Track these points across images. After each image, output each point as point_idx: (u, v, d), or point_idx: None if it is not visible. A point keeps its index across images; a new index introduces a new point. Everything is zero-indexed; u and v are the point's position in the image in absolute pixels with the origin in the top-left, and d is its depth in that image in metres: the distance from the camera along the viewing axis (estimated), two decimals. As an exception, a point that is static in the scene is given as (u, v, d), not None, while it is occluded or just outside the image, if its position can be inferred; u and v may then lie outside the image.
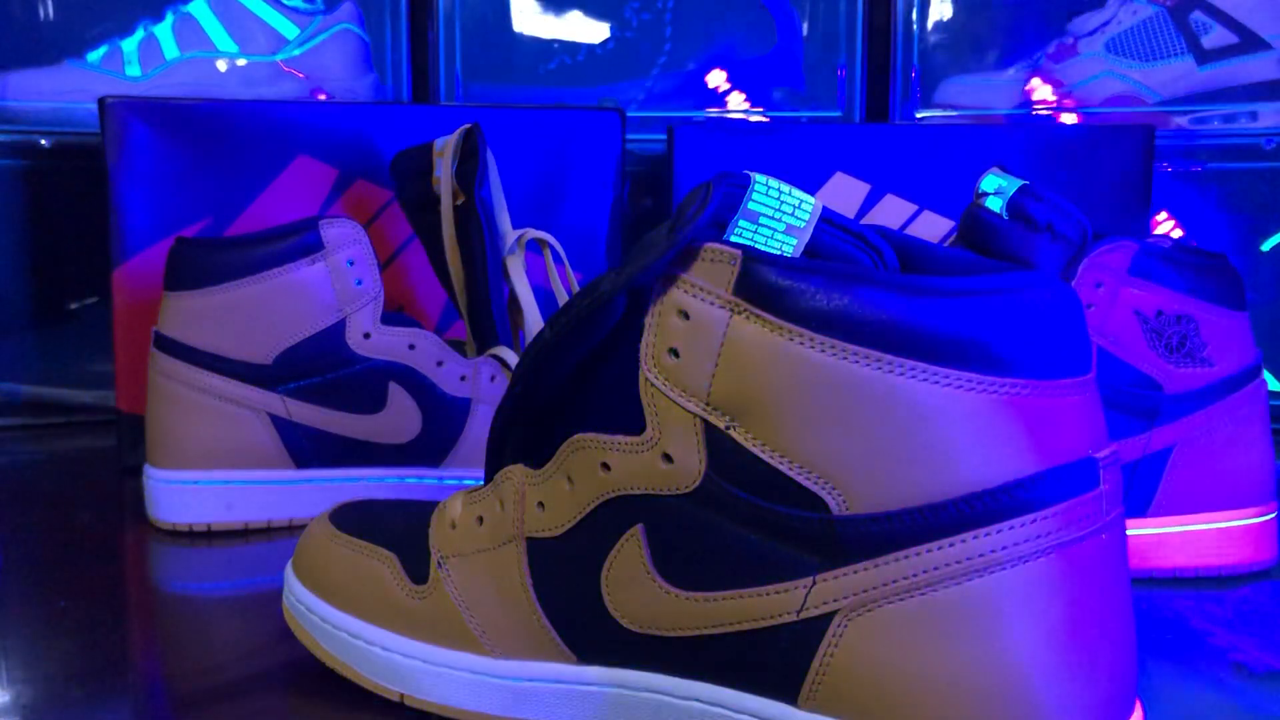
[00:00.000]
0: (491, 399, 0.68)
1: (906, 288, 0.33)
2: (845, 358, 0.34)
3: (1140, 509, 0.56)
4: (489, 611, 0.42)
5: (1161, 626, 0.52)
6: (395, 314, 0.68)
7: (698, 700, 0.39)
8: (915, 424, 0.33)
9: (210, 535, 0.65)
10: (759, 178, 0.38)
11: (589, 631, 0.40)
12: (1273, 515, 0.57)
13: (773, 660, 0.36)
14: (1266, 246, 0.94)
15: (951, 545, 0.33)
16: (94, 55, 0.92)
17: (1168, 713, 0.46)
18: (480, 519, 0.42)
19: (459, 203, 0.68)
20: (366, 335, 0.65)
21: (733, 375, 0.35)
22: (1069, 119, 0.98)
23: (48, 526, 0.69)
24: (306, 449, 0.66)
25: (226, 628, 0.54)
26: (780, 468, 0.35)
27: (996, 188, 0.56)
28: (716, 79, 1.02)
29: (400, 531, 0.45)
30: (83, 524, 0.70)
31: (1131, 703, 0.36)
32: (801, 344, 0.34)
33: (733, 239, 0.37)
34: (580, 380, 0.40)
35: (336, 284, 0.65)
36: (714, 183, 0.37)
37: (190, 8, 0.94)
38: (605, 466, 0.38)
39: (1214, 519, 0.56)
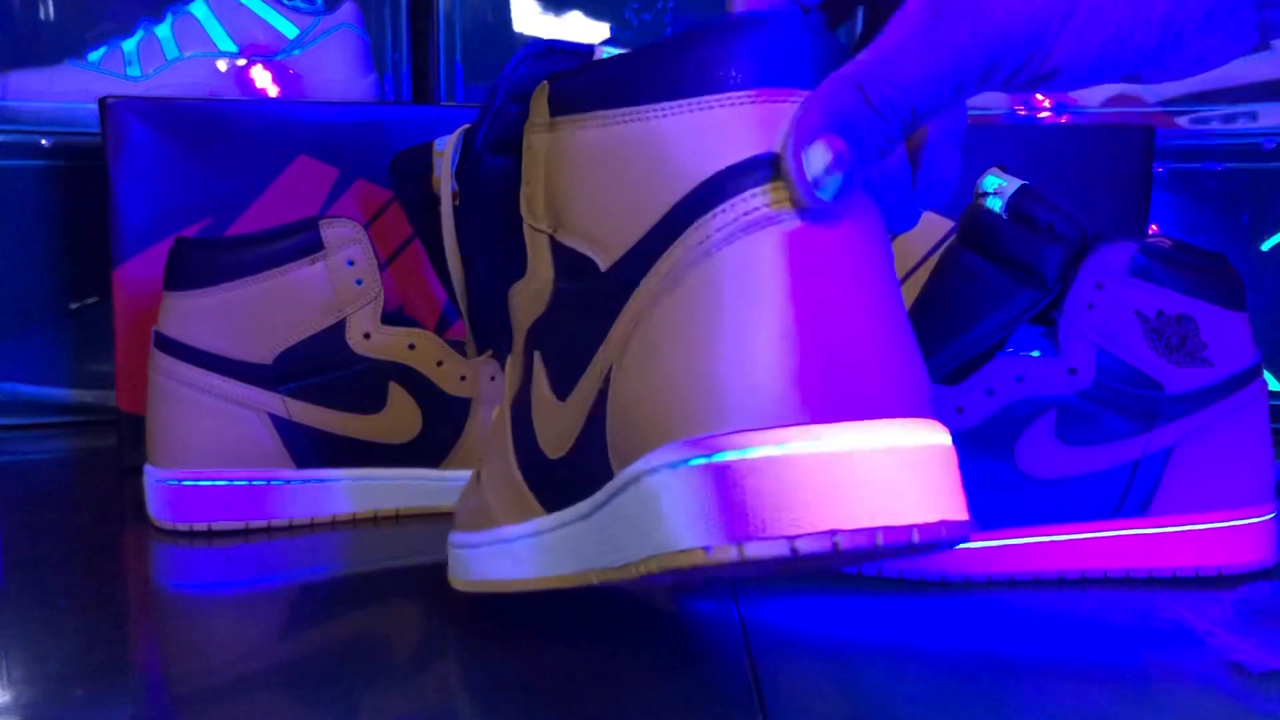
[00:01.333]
0: (492, 399, 0.68)
1: (659, 45, 0.37)
2: (607, 124, 0.37)
3: (1140, 509, 0.56)
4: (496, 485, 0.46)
5: (1162, 626, 0.52)
6: (395, 314, 0.68)
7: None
8: (657, 157, 0.36)
9: (210, 535, 0.65)
10: (609, 48, 0.42)
11: (540, 475, 0.43)
12: (1272, 515, 0.57)
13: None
14: (1266, 246, 0.94)
15: (681, 243, 0.36)
16: (94, 55, 0.93)
17: (1168, 713, 0.46)
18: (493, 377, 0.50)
19: (459, 203, 0.68)
20: (367, 335, 0.65)
21: (549, 185, 0.39)
22: (1068, 119, 0.98)
23: (48, 526, 0.69)
24: (306, 449, 0.66)
25: (226, 628, 0.54)
26: (575, 247, 0.38)
27: (996, 188, 0.56)
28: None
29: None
30: (83, 524, 0.70)
31: (900, 408, 0.35)
32: (580, 129, 0.38)
33: None
34: (507, 253, 0.45)
35: (336, 284, 0.65)
36: (538, 52, 0.43)
37: (190, 8, 0.94)
38: (518, 311, 0.43)
39: (1214, 519, 0.56)
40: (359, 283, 0.65)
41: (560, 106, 0.39)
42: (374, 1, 1.00)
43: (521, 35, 1.01)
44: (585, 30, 1.01)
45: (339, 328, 0.65)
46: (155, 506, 0.66)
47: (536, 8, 1.01)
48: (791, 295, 0.34)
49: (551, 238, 0.40)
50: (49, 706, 0.46)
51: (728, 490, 0.33)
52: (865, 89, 0.36)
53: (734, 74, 0.36)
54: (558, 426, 0.41)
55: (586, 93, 0.38)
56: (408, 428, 0.67)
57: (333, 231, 0.65)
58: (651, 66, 0.37)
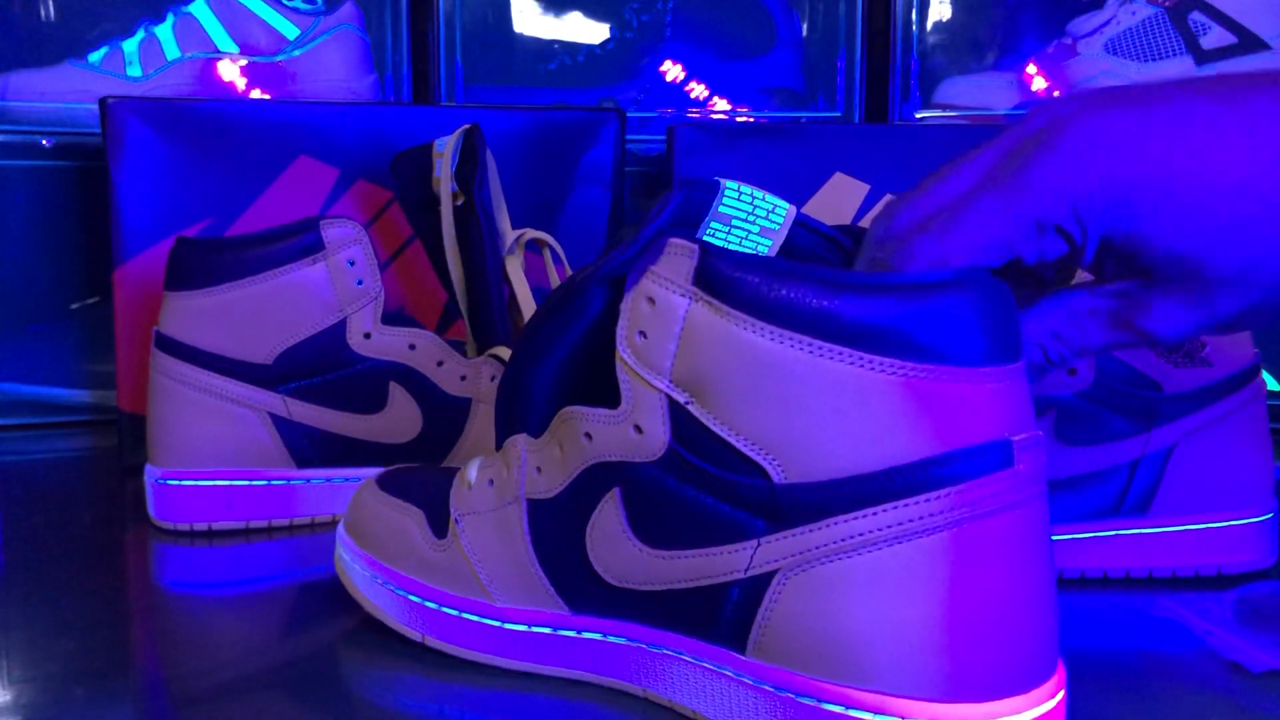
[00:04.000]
0: (492, 399, 0.68)
1: (834, 283, 0.37)
2: (782, 342, 0.38)
3: (1140, 509, 0.56)
4: (495, 564, 0.47)
5: (1161, 626, 0.52)
6: (396, 314, 0.68)
7: (668, 649, 0.43)
8: (840, 402, 0.37)
9: (210, 535, 0.65)
10: (730, 184, 0.43)
11: (577, 584, 0.45)
12: (1271, 515, 0.57)
13: (725, 614, 0.41)
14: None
15: (875, 514, 0.37)
16: (95, 56, 0.93)
17: (1168, 713, 0.46)
18: (490, 481, 0.47)
19: (459, 203, 0.68)
20: (367, 335, 0.65)
21: (689, 355, 0.39)
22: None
23: (48, 526, 0.69)
24: (307, 449, 0.66)
25: (226, 628, 0.54)
26: (729, 439, 0.39)
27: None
28: (675, 72, 1.03)
29: (429, 492, 0.50)
30: (83, 524, 0.70)
31: (1046, 672, 0.40)
32: (745, 329, 0.38)
33: (705, 238, 0.42)
34: (571, 360, 0.45)
35: (337, 284, 0.65)
36: (679, 187, 0.42)
37: (191, 8, 0.94)
38: (588, 436, 0.43)
39: (1213, 519, 0.56)
40: (359, 283, 0.65)
41: (718, 289, 0.39)
42: (374, 1, 1.00)
43: (521, 35, 1.01)
44: (585, 30, 1.01)
45: (339, 328, 0.65)
46: (155, 506, 0.66)
47: (536, 8, 1.01)
48: (991, 586, 0.38)
49: (678, 403, 0.40)
50: (49, 706, 0.46)
51: None
52: (1047, 351, 0.42)
53: (975, 346, 0.37)
54: (639, 567, 0.42)
55: (768, 298, 0.38)
56: (408, 428, 0.67)
57: (333, 232, 0.65)
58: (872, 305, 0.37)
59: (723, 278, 0.38)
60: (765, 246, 0.43)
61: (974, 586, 0.37)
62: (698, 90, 1.02)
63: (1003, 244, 0.39)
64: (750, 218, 0.43)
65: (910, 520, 0.37)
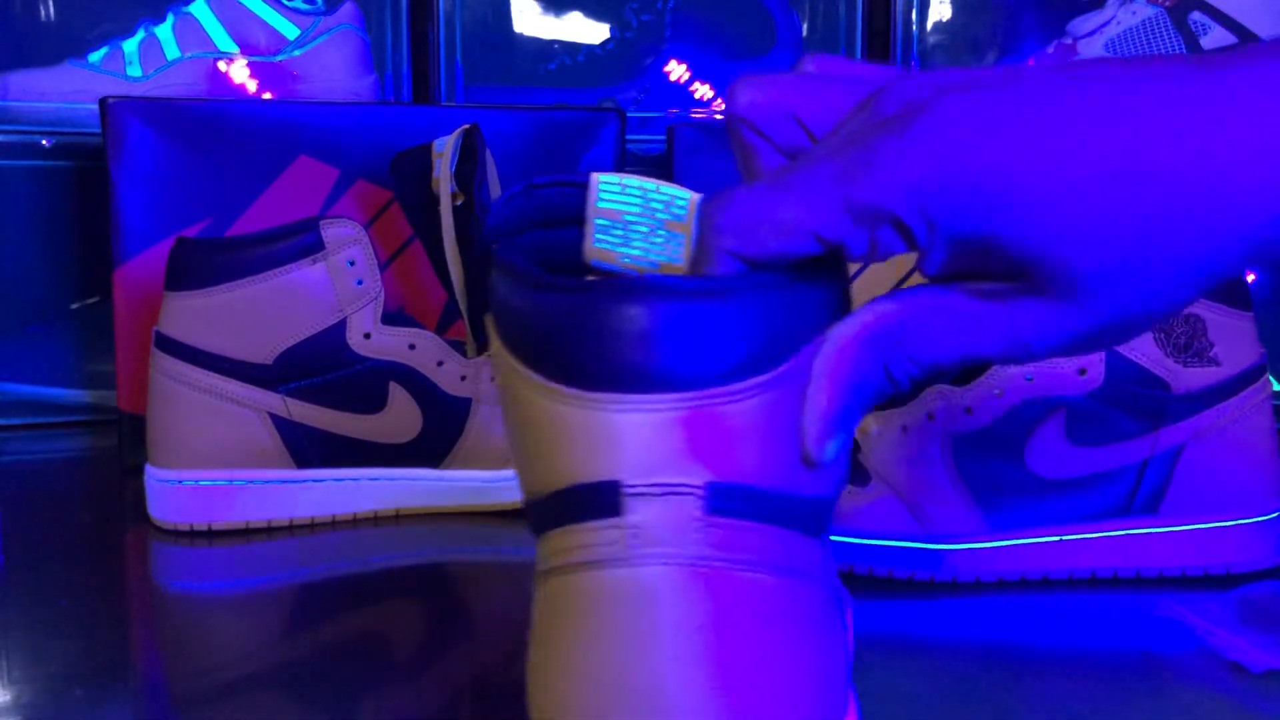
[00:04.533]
0: (492, 399, 0.68)
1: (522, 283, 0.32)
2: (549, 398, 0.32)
3: (1149, 509, 0.56)
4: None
5: (1162, 626, 0.52)
6: (396, 314, 0.68)
7: None
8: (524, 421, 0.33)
9: (210, 535, 0.65)
10: (606, 178, 0.36)
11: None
12: (1276, 514, 0.57)
13: None
14: (1266, 247, 0.94)
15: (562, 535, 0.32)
16: (95, 56, 0.93)
17: (1168, 713, 0.46)
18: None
19: (459, 203, 0.68)
20: (367, 335, 0.65)
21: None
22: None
23: (48, 526, 0.69)
24: (307, 449, 0.66)
25: (226, 628, 0.54)
26: None
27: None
28: (679, 72, 1.02)
29: None
30: (83, 524, 0.70)
31: None
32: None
33: (598, 242, 0.36)
34: None
35: (337, 284, 0.65)
36: (526, 190, 0.36)
37: (191, 8, 0.94)
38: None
39: (1222, 518, 0.56)
40: (359, 283, 0.65)
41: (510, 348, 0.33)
42: (374, 2, 1.00)
43: (521, 35, 1.01)
44: (585, 30, 1.01)
45: (339, 328, 0.65)
46: (155, 506, 0.66)
47: (536, 8, 1.01)
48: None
49: None
50: (49, 706, 0.46)
51: None
52: (890, 367, 0.33)
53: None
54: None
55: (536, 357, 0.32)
56: (408, 428, 0.67)
57: (333, 232, 0.65)
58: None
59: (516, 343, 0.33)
60: (677, 241, 0.36)
61: (560, 645, 0.31)
62: (701, 90, 1.02)
63: (818, 227, 0.32)
64: (646, 213, 0.36)
65: (550, 556, 0.32)
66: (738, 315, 0.31)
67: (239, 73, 0.94)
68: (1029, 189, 0.31)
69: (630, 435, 0.31)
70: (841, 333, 0.32)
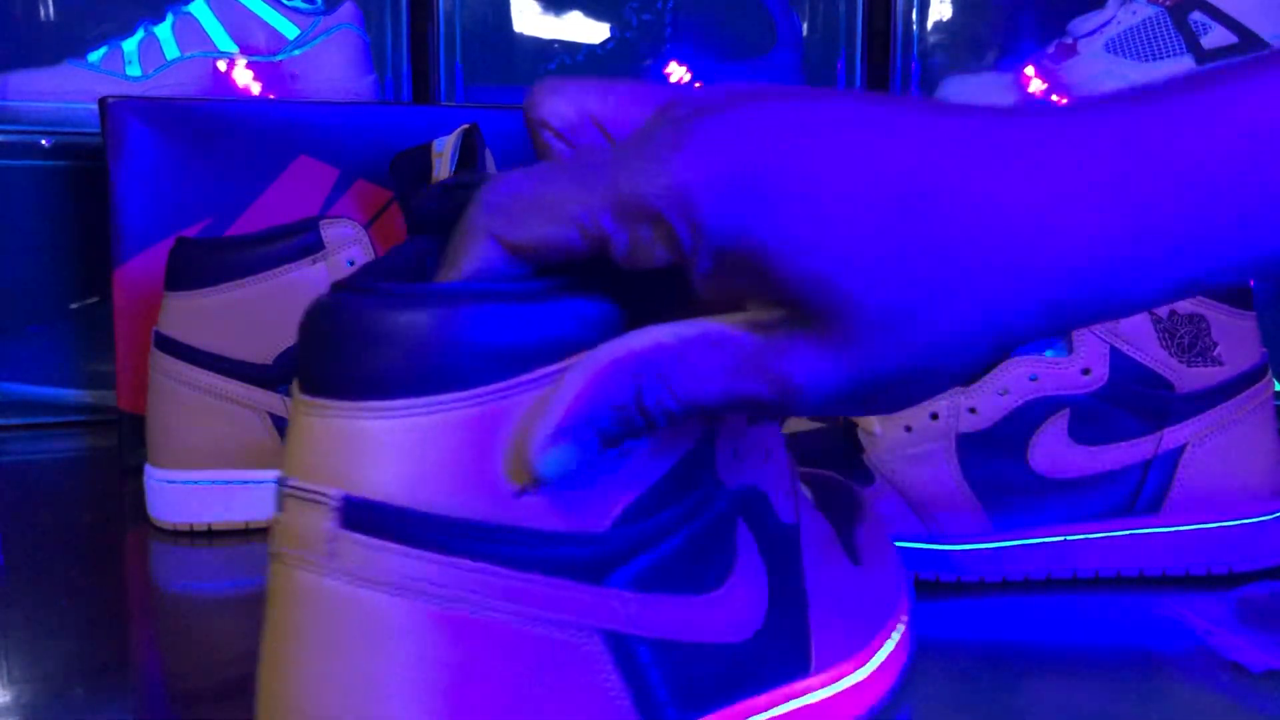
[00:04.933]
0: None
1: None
2: None
3: (1152, 509, 0.56)
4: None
5: (1162, 626, 0.52)
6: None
7: None
8: None
9: (210, 535, 0.65)
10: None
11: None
12: (1279, 514, 0.57)
13: None
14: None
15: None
16: (94, 55, 0.92)
17: (1168, 713, 0.46)
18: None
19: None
20: (367, 335, 0.65)
21: None
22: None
23: (48, 526, 0.69)
24: (307, 449, 0.66)
25: (226, 628, 0.54)
26: None
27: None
28: (684, 77, 1.02)
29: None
30: (83, 524, 0.70)
31: None
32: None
33: None
34: None
35: (337, 284, 0.65)
36: (436, 192, 0.35)
37: (190, 8, 0.94)
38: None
39: (1226, 518, 0.56)
40: (359, 283, 0.65)
41: None
42: (374, 2, 0.99)
43: (521, 35, 1.01)
44: (585, 30, 1.01)
45: (339, 328, 0.65)
46: (155, 506, 0.66)
47: (536, 8, 1.01)
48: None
49: None
50: (49, 706, 0.46)
51: None
52: (644, 396, 0.30)
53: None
54: None
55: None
56: (408, 428, 0.67)
57: (333, 232, 0.65)
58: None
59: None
60: None
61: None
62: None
63: (581, 214, 0.29)
64: None
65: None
66: (397, 329, 0.29)
67: (238, 73, 0.94)
68: (805, 198, 0.27)
69: (295, 435, 0.31)
70: (605, 352, 0.30)
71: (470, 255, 0.31)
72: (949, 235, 0.27)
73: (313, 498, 0.31)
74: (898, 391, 0.30)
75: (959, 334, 0.28)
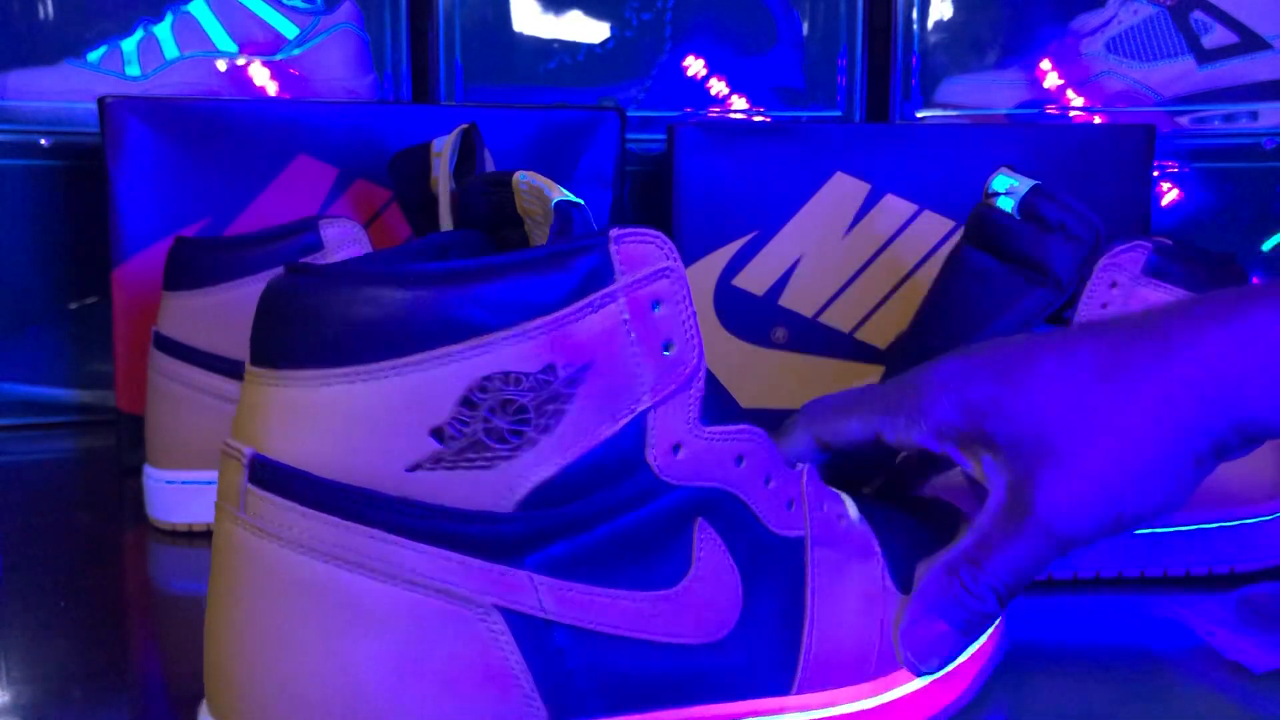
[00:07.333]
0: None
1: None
2: None
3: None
4: None
5: (1162, 626, 0.52)
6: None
7: None
8: None
9: (209, 535, 0.65)
10: (521, 176, 0.40)
11: None
12: (1278, 514, 0.57)
13: None
14: (1267, 246, 0.94)
15: None
16: (94, 55, 0.92)
17: (1168, 713, 0.46)
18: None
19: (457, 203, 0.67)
20: (366, 335, 0.65)
21: None
22: (1069, 118, 0.97)
23: (48, 526, 0.69)
24: (306, 449, 0.66)
25: (226, 628, 0.54)
26: None
27: (1008, 188, 0.56)
28: (700, 70, 1.02)
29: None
30: (83, 524, 0.70)
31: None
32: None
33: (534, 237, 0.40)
34: None
35: (336, 284, 0.64)
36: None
37: (190, 8, 0.94)
38: None
39: (1226, 518, 0.56)
40: (359, 282, 0.65)
41: None
42: (374, 1, 0.99)
43: (521, 35, 1.01)
44: (585, 30, 1.01)
45: (339, 327, 0.65)
46: (155, 506, 0.66)
47: (536, 7, 1.01)
48: None
49: None
50: (49, 706, 0.46)
51: None
52: (965, 581, 0.39)
53: None
54: None
55: None
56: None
57: (332, 231, 0.64)
58: None
59: None
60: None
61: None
62: (718, 87, 1.02)
63: (880, 427, 0.41)
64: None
65: None
66: (309, 306, 0.33)
67: (238, 72, 0.94)
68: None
69: (239, 401, 0.35)
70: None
71: (788, 442, 0.41)
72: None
73: (233, 454, 0.34)
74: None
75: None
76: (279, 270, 0.68)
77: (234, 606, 0.34)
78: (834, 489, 0.42)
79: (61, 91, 0.90)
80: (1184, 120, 0.96)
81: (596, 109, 0.87)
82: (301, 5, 0.95)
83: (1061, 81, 0.98)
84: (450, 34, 0.99)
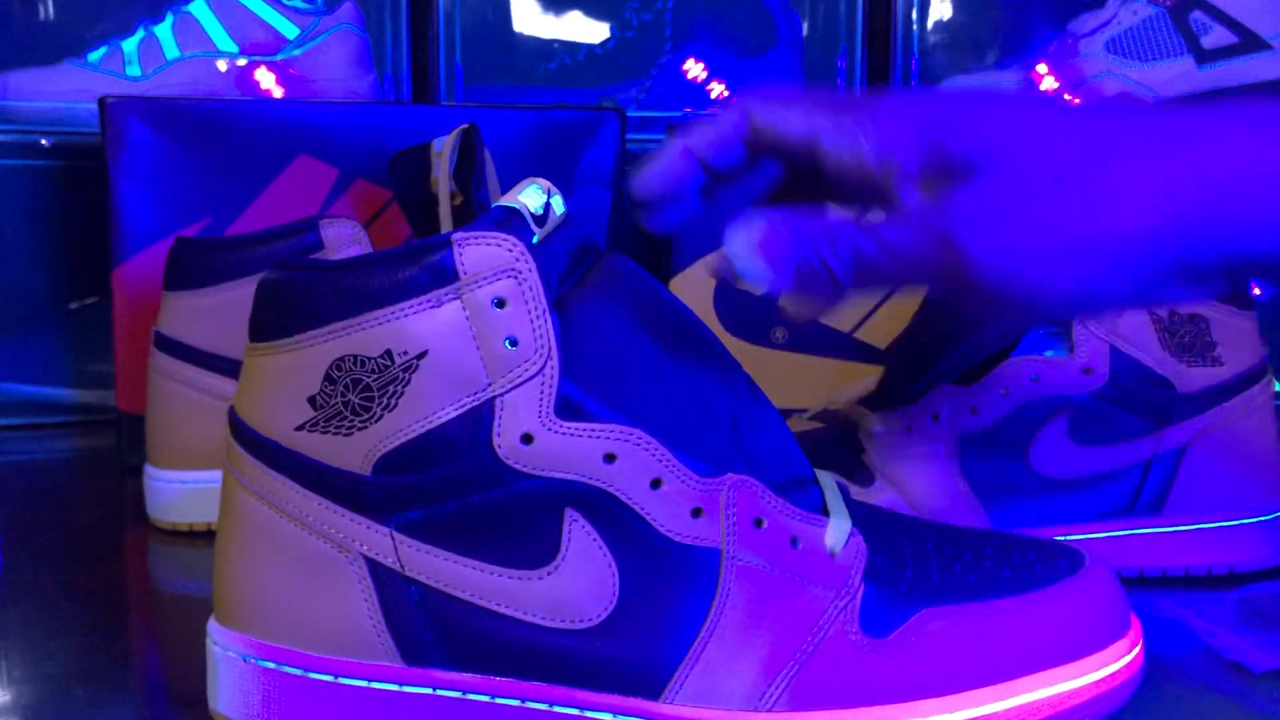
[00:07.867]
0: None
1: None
2: None
3: (1153, 509, 0.56)
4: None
5: (1162, 626, 0.52)
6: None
7: None
8: None
9: (210, 535, 0.65)
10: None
11: None
12: (1278, 514, 0.57)
13: None
14: (1266, 246, 0.94)
15: None
16: (94, 55, 0.92)
17: (1168, 713, 0.46)
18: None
19: (457, 203, 0.68)
20: (366, 335, 0.65)
21: None
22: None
23: (48, 526, 0.69)
24: (306, 449, 0.66)
25: (226, 628, 0.54)
26: None
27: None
28: (700, 74, 1.02)
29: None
30: (83, 524, 0.70)
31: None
32: None
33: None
34: None
35: (336, 284, 0.64)
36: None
37: (190, 8, 0.94)
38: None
39: (1226, 518, 0.56)
40: (359, 282, 0.65)
41: None
42: (374, 1, 0.99)
43: (521, 35, 1.01)
44: (585, 30, 1.01)
45: (339, 327, 0.65)
46: (155, 506, 0.66)
47: (536, 7, 1.01)
48: None
49: None
50: (49, 706, 0.46)
51: None
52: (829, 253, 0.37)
53: None
54: None
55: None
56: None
57: (333, 231, 0.64)
58: None
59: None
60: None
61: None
62: (719, 89, 1.02)
63: (829, 122, 0.38)
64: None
65: None
66: (262, 290, 0.39)
67: (238, 72, 0.94)
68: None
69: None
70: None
71: (722, 117, 0.40)
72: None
73: (227, 410, 0.42)
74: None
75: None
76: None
77: (225, 539, 0.43)
78: (821, 515, 0.40)
79: (62, 91, 0.90)
80: (1184, 120, 0.96)
81: (596, 109, 0.87)
82: (302, 5, 0.95)
83: (1061, 82, 0.98)
84: (450, 34, 0.99)
